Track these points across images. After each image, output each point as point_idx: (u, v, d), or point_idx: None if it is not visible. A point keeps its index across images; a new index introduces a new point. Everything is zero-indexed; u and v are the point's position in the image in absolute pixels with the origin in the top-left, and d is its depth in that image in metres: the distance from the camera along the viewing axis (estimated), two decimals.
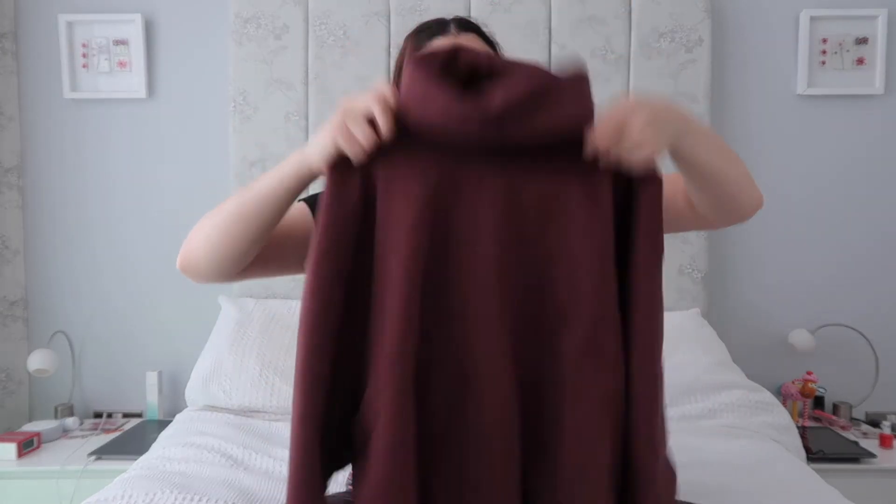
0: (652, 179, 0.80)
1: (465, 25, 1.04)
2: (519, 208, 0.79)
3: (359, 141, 0.77)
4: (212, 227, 0.91)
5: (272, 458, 1.44)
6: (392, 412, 0.75)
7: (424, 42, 1.03)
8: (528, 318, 0.80)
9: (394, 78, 1.09)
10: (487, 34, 1.07)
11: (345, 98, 0.81)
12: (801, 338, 2.18)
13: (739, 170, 0.89)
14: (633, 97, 0.81)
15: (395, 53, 2.15)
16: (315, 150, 0.81)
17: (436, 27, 1.04)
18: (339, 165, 0.79)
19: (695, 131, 0.84)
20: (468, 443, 0.78)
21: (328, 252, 0.77)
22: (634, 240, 0.79)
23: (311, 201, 1.03)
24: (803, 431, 1.99)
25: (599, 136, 0.77)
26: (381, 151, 0.78)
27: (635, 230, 0.79)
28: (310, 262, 0.77)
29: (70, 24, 2.22)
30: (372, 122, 0.78)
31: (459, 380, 0.78)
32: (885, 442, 1.97)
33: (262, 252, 0.95)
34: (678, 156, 0.85)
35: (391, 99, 0.78)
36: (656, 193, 0.79)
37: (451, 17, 1.08)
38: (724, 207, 0.92)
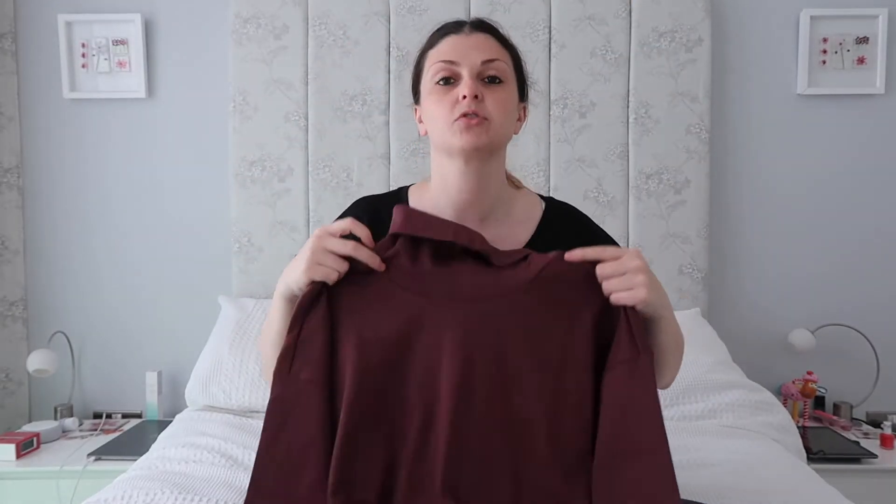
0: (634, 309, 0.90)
1: (480, 26, 1.05)
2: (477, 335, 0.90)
3: (329, 270, 0.90)
4: (270, 366, 0.99)
5: None
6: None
7: (438, 40, 1.04)
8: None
9: (413, 72, 1.09)
10: (505, 34, 1.07)
11: (317, 232, 0.92)
12: (801, 338, 2.18)
13: (677, 359, 1.03)
14: (634, 251, 0.92)
15: (395, 53, 2.15)
16: (292, 280, 0.92)
17: (452, 26, 1.05)
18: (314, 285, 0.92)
19: (669, 317, 0.95)
20: None
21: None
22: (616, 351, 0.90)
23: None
24: (803, 431, 1.99)
25: (602, 270, 0.90)
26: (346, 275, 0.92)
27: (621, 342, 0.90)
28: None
29: (69, 24, 2.22)
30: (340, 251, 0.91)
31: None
32: (885, 442, 1.97)
33: None
34: (651, 324, 0.94)
35: (359, 238, 0.92)
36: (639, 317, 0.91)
37: (470, 19, 1.08)
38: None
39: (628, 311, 0.89)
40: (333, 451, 0.87)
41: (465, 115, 0.98)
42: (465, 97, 0.98)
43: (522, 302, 0.90)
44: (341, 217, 1.08)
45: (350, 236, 0.92)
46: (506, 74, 1.02)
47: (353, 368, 0.89)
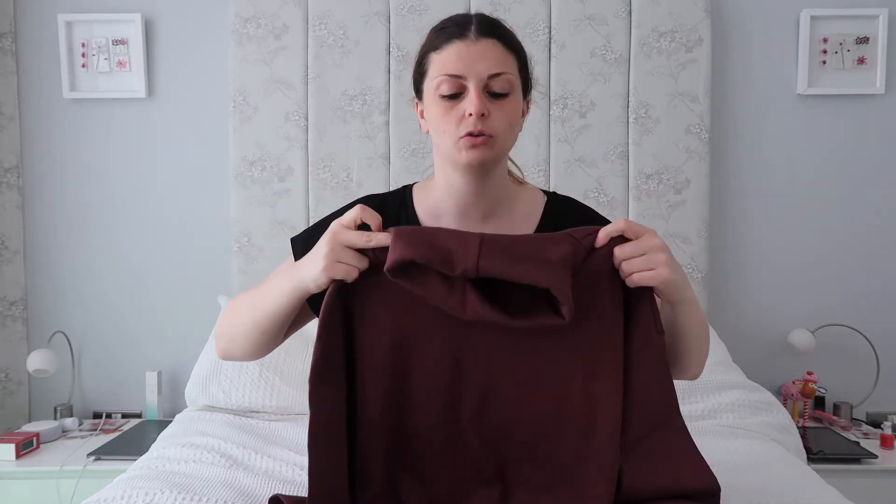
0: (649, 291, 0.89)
1: (486, 30, 1.00)
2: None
3: (350, 268, 0.89)
4: (237, 335, 1.04)
5: (272, 458, 1.44)
6: None
7: (443, 44, 1.00)
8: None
9: (415, 70, 1.07)
10: (510, 34, 1.04)
11: (333, 227, 0.90)
12: (801, 338, 2.18)
13: (704, 347, 1.02)
14: (655, 232, 0.89)
15: (395, 53, 2.15)
16: (309, 277, 0.90)
17: (456, 29, 1.01)
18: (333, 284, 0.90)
19: (692, 299, 0.94)
20: None
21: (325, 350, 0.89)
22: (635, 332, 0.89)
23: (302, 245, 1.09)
24: (803, 431, 1.99)
25: (621, 251, 0.87)
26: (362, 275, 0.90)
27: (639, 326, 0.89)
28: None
29: (69, 24, 2.22)
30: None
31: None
32: (885, 442, 1.97)
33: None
34: (676, 309, 0.94)
35: (372, 233, 0.89)
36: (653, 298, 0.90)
37: (475, 12, 1.05)
38: (675, 365, 1.02)
39: (648, 292, 0.87)
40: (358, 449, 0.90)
41: (470, 133, 0.97)
42: (471, 114, 0.97)
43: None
44: (347, 205, 1.06)
45: (362, 226, 0.91)
46: (512, 86, 1.00)
47: (367, 366, 0.90)
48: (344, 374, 0.90)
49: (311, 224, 1.25)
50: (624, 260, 0.87)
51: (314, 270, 0.89)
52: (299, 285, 0.93)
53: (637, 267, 0.86)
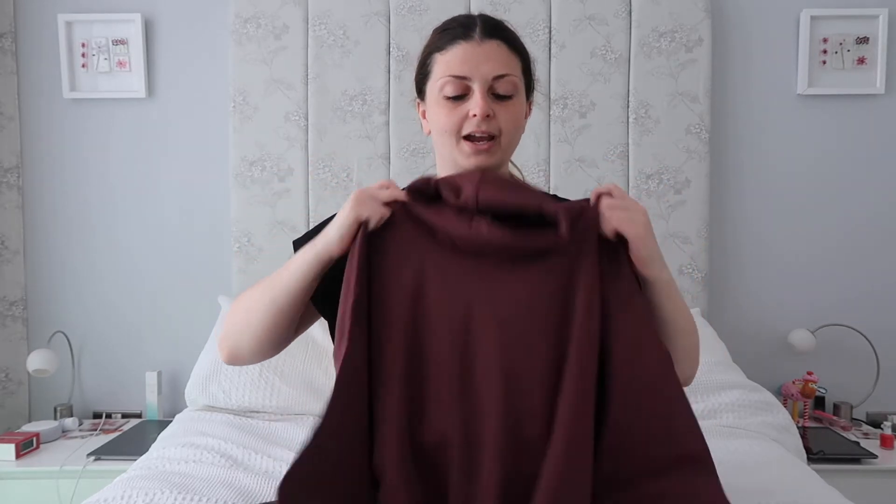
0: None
1: (491, 31, 1.00)
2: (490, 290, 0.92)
3: (376, 207, 0.92)
4: (251, 323, 1.01)
5: (272, 458, 1.44)
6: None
7: (447, 45, 1.00)
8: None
9: (418, 70, 1.06)
10: (514, 36, 1.04)
11: (358, 189, 0.95)
12: (801, 338, 2.18)
13: (689, 343, 1.01)
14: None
15: (395, 53, 2.15)
16: (334, 230, 0.93)
17: (460, 31, 1.00)
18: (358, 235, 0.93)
19: (668, 280, 0.95)
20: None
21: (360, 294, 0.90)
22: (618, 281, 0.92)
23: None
24: (803, 432, 1.99)
25: (605, 200, 0.91)
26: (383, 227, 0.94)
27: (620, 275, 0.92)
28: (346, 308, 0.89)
29: (69, 24, 2.22)
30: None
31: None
32: (885, 442, 1.97)
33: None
34: (655, 292, 0.95)
35: (397, 191, 0.95)
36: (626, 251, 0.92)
37: (478, 13, 1.04)
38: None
39: (627, 254, 0.91)
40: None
41: (474, 137, 0.98)
42: (475, 115, 0.97)
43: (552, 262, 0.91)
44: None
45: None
46: (517, 87, 1.00)
47: (385, 317, 0.91)
48: (366, 321, 0.91)
49: (311, 226, 1.25)
50: (608, 207, 0.91)
51: (340, 218, 0.92)
52: (322, 250, 0.94)
53: (617, 215, 0.90)
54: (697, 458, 0.89)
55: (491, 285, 0.91)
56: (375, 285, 0.92)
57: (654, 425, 0.89)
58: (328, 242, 0.93)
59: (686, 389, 1.75)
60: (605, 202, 0.91)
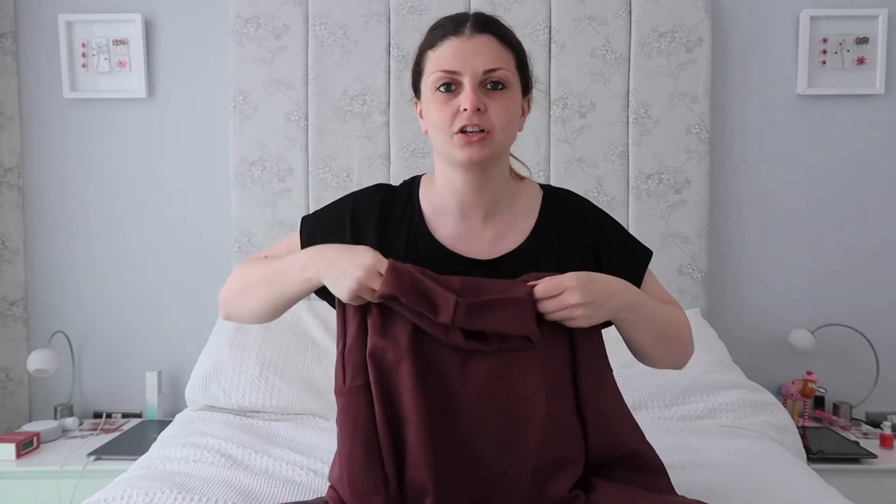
0: (590, 331, 1.01)
1: (482, 26, 1.01)
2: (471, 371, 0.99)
3: (362, 300, 0.98)
4: (247, 302, 1.10)
5: (272, 458, 1.44)
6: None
7: (438, 41, 1.01)
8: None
9: (413, 70, 1.07)
10: (507, 31, 1.04)
11: (368, 270, 0.97)
12: (801, 338, 2.18)
13: (672, 344, 1.11)
14: (575, 279, 0.96)
15: (395, 53, 2.15)
16: (333, 286, 0.98)
17: (452, 27, 1.01)
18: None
19: (634, 319, 1.03)
20: None
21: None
22: (580, 373, 1.02)
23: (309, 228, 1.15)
24: (803, 431, 1.99)
25: (542, 307, 0.96)
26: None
27: (581, 367, 1.02)
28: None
29: (70, 24, 2.22)
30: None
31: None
32: (885, 442, 1.97)
33: None
34: (618, 328, 1.05)
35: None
36: (597, 342, 1.04)
37: (471, 13, 1.04)
38: (644, 356, 1.13)
39: (586, 331, 1.01)
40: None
41: (466, 131, 0.98)
42: (465, 109, 0.97)
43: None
44: (362, 190, 1.14)
45: None
46: (508, 80, 1.00)
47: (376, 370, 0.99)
48: (366, 378, 0.99)
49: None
50: (544, 310, 0.96)
51: (339, 290, 0.97)
52: (318, 282, 1.00)
53: (559, 318, 0.97)
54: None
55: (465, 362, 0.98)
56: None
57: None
58: (325, 283, 0.99)
59: (686, 389, 1.75)
60: (540, 307, 0.96)
